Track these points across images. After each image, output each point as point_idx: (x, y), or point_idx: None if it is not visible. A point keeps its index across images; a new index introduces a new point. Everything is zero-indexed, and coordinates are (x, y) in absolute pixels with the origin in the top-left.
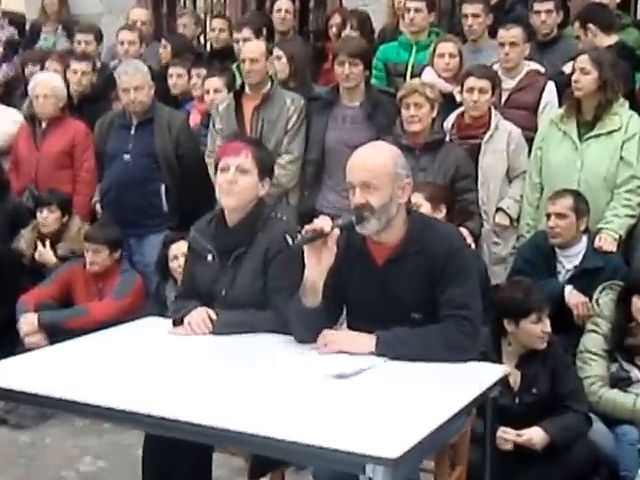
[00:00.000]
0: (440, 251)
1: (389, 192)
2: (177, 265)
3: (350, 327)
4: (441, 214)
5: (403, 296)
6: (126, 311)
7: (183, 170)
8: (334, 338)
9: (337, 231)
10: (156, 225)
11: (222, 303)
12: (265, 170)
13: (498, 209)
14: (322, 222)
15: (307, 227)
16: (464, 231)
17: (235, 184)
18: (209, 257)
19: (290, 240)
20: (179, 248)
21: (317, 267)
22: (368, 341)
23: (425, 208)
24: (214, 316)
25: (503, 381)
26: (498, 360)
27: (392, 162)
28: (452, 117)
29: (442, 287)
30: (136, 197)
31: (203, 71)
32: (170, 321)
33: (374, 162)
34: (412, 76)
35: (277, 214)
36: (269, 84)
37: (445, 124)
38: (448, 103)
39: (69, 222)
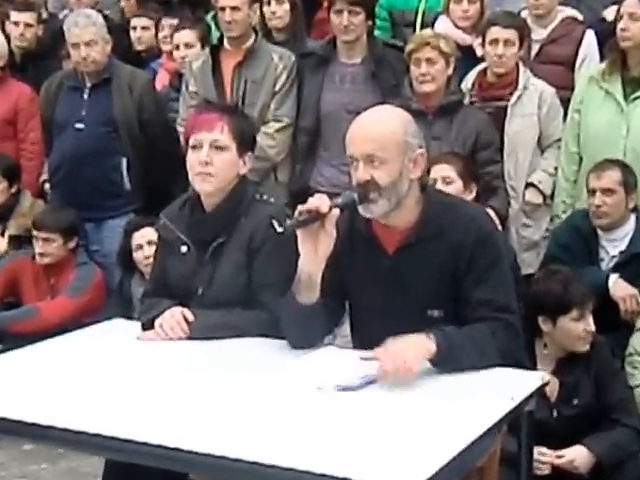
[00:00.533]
0: (467, 237)
1: (398, 166)
2: (143, 256)
3: (353, 328)
4: (471, 195)
5: (419, 290)
6: (84, 311)
7: (148, 140)
8: (384, 358)
9: (337, 212)
10: (117, 207)
11: (199, 303)
12: (245, 143)
13: (528, 184)
14: (318, 201)
15: (300, 207)
16: (488, 211)
17: (210, 165)
18: (183, 248)
19: (278, 226)
20: (145, 236)
21: (313, 256)
22: (424, 350)
23: (455, 187)
24: (191, 317)
25: (539, 391)
26: (532, 366)
27: (401, 129)
28: (472, 75)
29: (473, 282)
30: (92, 174)
31: (176, 22)
32: (138, 324)
33: (379, 130)
34: (423, 26)
35: (262, 195)
36: (252, 37)
37: (463, 84)
38: (467, 58)
39: (19, 195)
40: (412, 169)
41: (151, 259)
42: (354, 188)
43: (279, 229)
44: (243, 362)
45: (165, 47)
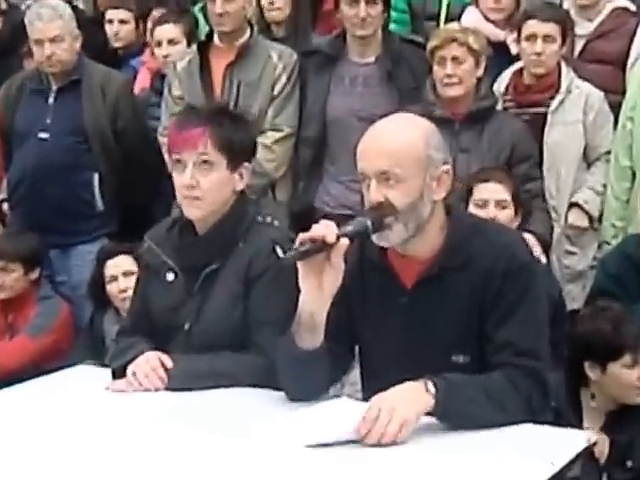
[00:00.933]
0: (496, 267)
1: (418, 185)
2: (118, 289)
3: (364, 376)
4: (518, 221)
5: (442, 331)
6: (47, 354)
7: (124, 152)
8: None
9: (346, 241)
10: (87, 231)
11: (185, 342)
12: (238, 153)
13: (572, 205)
14: (324, 229)
15: (303, 235)
16: (528, 237)
17: (197, 188)
18: (169, 276)
19: (282, 253)
20: (120, 265)
21: (317, 293)
22: (422, 404)
23: (509, 213)
24: (169, 364)
25: (585, 453)
26: (577, 421)
27: (422, 141)
28: (506, 76)
29: (497, 320)
30: (58, 191)
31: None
32: (109, 371)
33: (396, 142)
34: (448, 19)
35: (265, 217)
36: (247, 32)
37: (496, 86)
38: (500, 57)
39: None
40: (435, 188)
41: (127, 293)
42: (366, 212)
43: (281, 256)
44: (232, 420)
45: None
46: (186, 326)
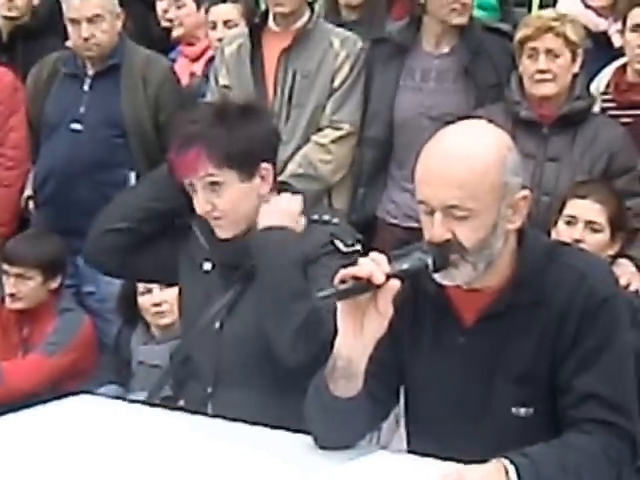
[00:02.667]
0: (573, 303)
1: (492, 217)
2: (151, 303)
3: (410, 423)
4: (615, 249)
5: (505, 377)
6: (65, 375)
7: (165, 149)
8: None
9: (396, 283)
10: None
11: (214, 342)
12: (248, 159)
13: None
14: (371, 265)
15: (345, 272)
16: (625, 264)
17: (215, 210)
18: (206, 265)
19: (342, 245)
20: None
21: (357, 338)
22: None
23: (601, 238)
24: None
25: None
26: None
27: (498, 165)
28: (606, 74)
29: (577, 367)
30: (89, 191)
31: None
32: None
33: (468, 170)
34: (542, 5)
35: (322, 215)
36: (306, 15)
37: (594, 85)
38: (600, 50)
39: None
40: (511, 217)
41: (161, 307)
42: (426, 248)
43: (323, 293)
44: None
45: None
46: (217, 324)
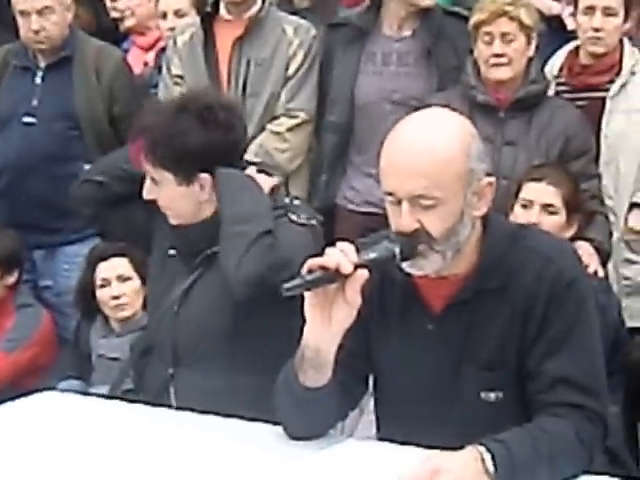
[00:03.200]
0: (540, 287)
1: (459, 205)
2: (110, 296)
3: (379, 410)
4: (571, 231)
5: (474, 362)
6: (25, 372)
7: (121, 140)
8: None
9: (364, 273)
10: (76, 230)
11: (172, 325)
12: (186, 165)
13: (633, 205)
14: (339, 255)
15: (312, 262)
16: (584, 246)
17: (164, 205)
18: (171, 250)
19: (294, 217)
20: (114, 268)
21: (325, 328)
22: (477, 475)
23: (557, 220)
24: None
25: None
26: (634, 462)
27: (463, 153)
28: (560, 56)
29: (546, 351)
30: (44, 184)
31: None
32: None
33: (434, 159)
34: None
35: (281, 200)
36: (259, 2)
37: (548, 68)
38: (553, 33)
39: None
40: (476, 204)
41: (120, 300)
42: (394, 237)
43: (291, 284)
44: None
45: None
46: (175, 308)
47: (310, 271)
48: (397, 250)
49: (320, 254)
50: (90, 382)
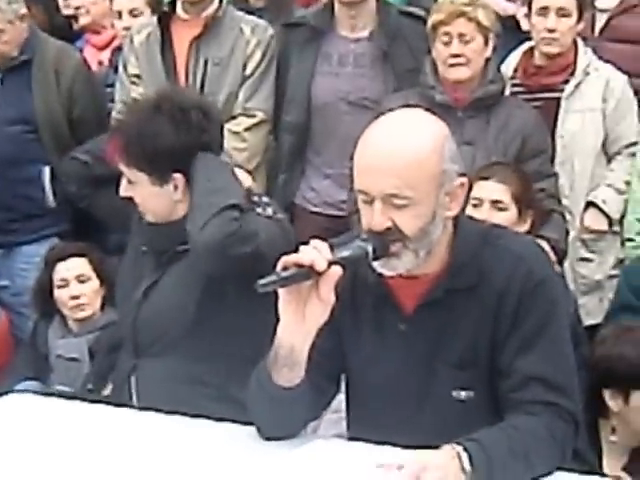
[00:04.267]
0: (511, 286)
1: (431, 205)
2: (68, 296)
3: (351, 409)
4: (524, 226)
5: (445, 363)
6: None
7: (80, 142)
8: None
9: (338, 270)
10: (35, 230)
11: (134, 317)
12: (158, 166)
13: (588, 204)
14: (313, 253)
15: (286, 259)
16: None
17: (139, 203)
18: (143, 248)
19: (259, 209)
20: (72, 268)
21: (299, 326)
22: (455, 475)
23: (508, 216)
24: None
25: None
26: (595, 458)
27: (437, 153)
28: (514, 57)
29: (518, 350)
30: (3, 187)
31: None
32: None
33: (407, 159)
34: None
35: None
36: (216, 2)
37: (503, 68)
38: (508, 34)
39: None
40: (449, 205)
41: (79, 300)
42: (366, 236)
43: (265, 280)
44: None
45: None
46: (139, 298)
47: (285, 268)
48: (370, 249)
49: (294, 251)
50: (48, 383)
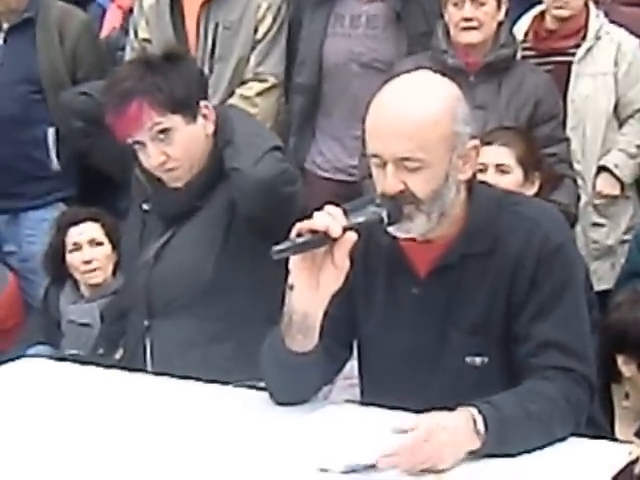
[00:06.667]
0: (527, 251)
1: (444, 168)
2: (81, 260)
3: (363, 375)
4: (532, 189)
5: (459, 328)
6: None
7: None
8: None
9: (353, 236)
10: (40, 195)
11: (147, 278)
12: (188, 100)
13: (600, 169)
14: (328, 219)
15: (301, 225)
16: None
17: (169, 160)
18: (145, 205)
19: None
20: (85, 232)
21: (313, 292)
22: (466, 448)
23: (513, 178)
24: None
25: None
26: (607, 423)
27: (449, 115)
28: (525, 21)
29: (534, 315)
30: (6, 149)
31: None
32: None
33: (419, 121)
34: None
35: None
36: None
37: (514, 32)
38: None
39: None
40: (462, 167)
41: (91, 265)
42: (381, 200)
43: (279, 247)
44: (208, 430)
45: None
46: (151, 260)
47: (299, 235)
48: (384, 214)
49: (308, 217)
50: (60, 347)
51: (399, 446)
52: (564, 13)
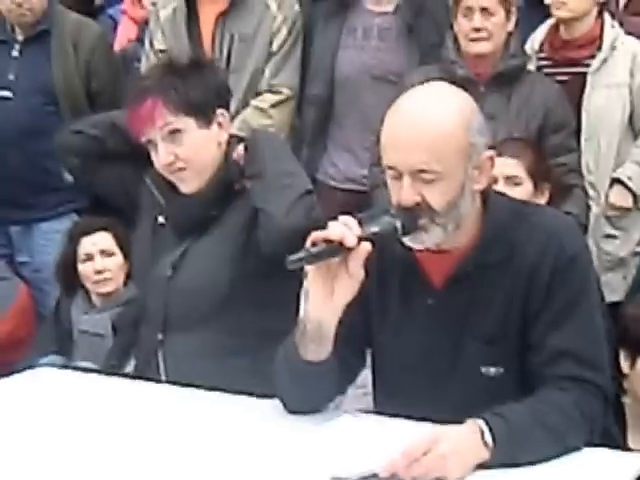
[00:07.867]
0: (543, 261)
1: (459, 179)
2: (93, 270)
3: (377, 385)
4: (542, 199)
5: (474, 337)
6: (3, 346)
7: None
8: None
9: (367, 246)
10: (53, 206)
11: (164, 291)
12: (204, 106)
13: (614, 181)
14: (343, 229)
15: (316, 235)
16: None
17: (177, 160)
18: (161, 218)
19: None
20: (97, 242)
21: (327, 302)
22: (474, 461)
23: (524, 190)
24: None
25: None
26: (620, 434)
27: (464, 127)
28: (540, 32)
29: (550, 325)
30: (21, 159)
31: None
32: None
33: (436, 133)
34: None
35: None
36: None
37: (528, 44)
38: (532, 8)
39: None
40: (477, 178)
41: (103, 275)
42: (395, 212)
43: (295, 256)
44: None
45: None
46: (168, 272)
47: (314, 244)
48: (399, 224)
49: (323, 227)
50: (72, 358)
51: (400, 456)
52: (563, 14)
